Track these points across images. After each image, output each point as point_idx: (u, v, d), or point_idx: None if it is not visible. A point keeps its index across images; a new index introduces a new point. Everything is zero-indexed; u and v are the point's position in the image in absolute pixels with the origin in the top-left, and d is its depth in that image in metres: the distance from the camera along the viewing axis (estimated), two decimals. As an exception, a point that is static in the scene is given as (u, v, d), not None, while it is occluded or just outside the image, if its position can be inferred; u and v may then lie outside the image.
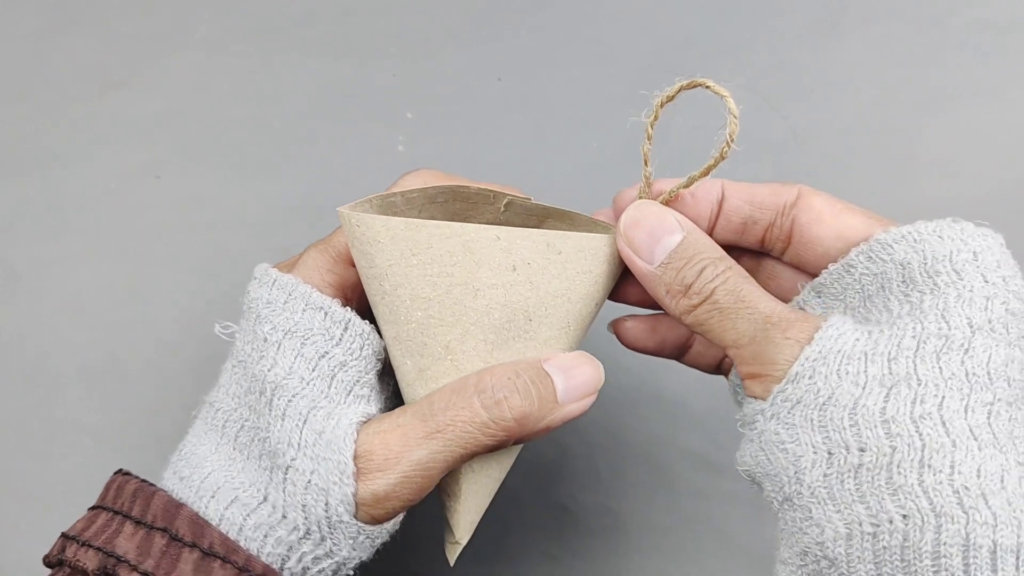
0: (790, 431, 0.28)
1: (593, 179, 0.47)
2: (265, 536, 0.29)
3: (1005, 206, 0.44)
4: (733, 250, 0.33)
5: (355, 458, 0.29)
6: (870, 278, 0.30)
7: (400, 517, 0.31)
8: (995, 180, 0.45)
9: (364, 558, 0.31)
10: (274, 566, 0.29)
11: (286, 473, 0.29)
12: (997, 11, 0.47)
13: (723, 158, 0.30)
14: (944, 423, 0.26)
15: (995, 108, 0.46)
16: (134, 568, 0.28)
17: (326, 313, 0.31)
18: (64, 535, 0.30)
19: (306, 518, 0.29)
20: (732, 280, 0.30)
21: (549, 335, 0.32)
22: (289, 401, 0.30)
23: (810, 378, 0.28)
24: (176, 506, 0.29)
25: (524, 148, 0.48)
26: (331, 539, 0.30)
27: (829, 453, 0.27)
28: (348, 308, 0.32)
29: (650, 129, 0.31)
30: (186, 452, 0.32)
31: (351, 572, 0.31)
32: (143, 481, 0.31)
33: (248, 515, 0.29)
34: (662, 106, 0.31)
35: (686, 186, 0.31)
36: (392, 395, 0.35)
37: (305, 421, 0.29)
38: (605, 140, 0.48)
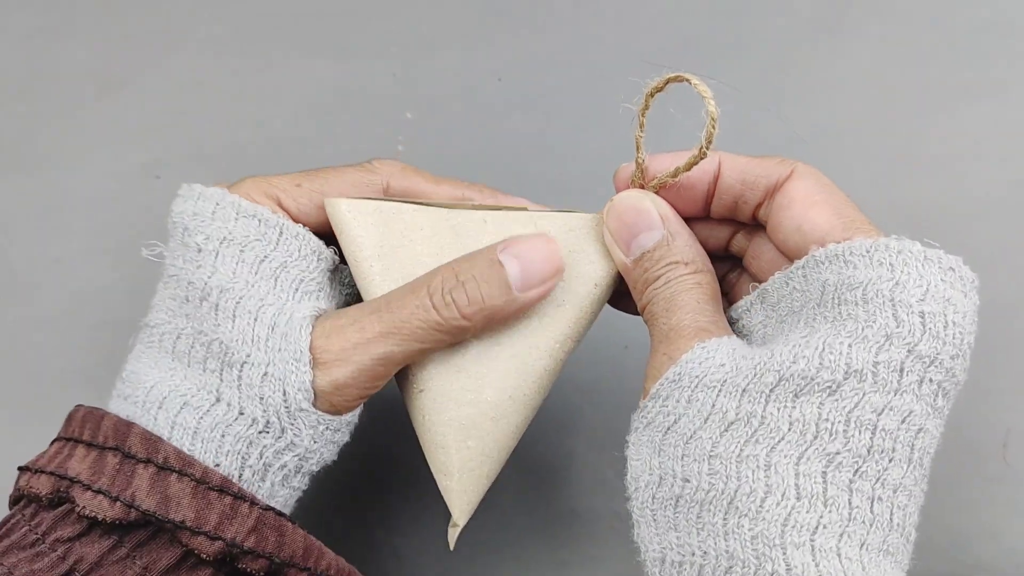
0: (637, 448, 0.29)
1: (593, 179, 0.47)
2: (223, 435, 0.29)
3: (1005, 206, 0.44)
4: (730, 223, 0.33)
5: (312, 348, 0.30)
6: (798, 294, 0.28)
7: (359, 409, 0.32)
8: (995, 180, 0.45)
9: (327, 456, 0.32)
10: (233, 465, 0.29)
11: (240, 369, 0.29)
12: (997, 11, 0.47)
13: (702, 157, 0.29)
14: (767, 467, 0.25)
15: (995, 108, 0.46)
16: (87, 488, 0.28)
17: (259, 220, 0.31)
18: (20, 468, 0.30)
19: (264, 410, 0.29)
20: (675, 286, 0.30)
21: (544, 315, 0.32)
22: (238, 302, 0.30)
23: (664, 400, 0.28)
24: (126, 425, 0.29)
25: (524, 148, 0.48)
26: (291, 429, 0.30)
27: (660, 478, 0.27)
28: (279, 214, 0.32)
29: (641, 117, 0.31)
30: (126, 374, 0.31)
31: (314, 470, 0.31)
32: (92, 408, 0.31)
33: (202, 417, 0.29)
34: (652, 96, 0.31)
35: (673, 176, 0.31)
36: (347, 300, 0.36)
37: (256, 318, 0.30)
38: (605, 140, 0.48)
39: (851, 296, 0.26)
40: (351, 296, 0.36)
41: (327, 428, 0.31)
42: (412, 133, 0.48)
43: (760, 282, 0.30)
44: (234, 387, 0.29)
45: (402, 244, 0.31)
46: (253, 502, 0.28)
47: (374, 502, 0.43)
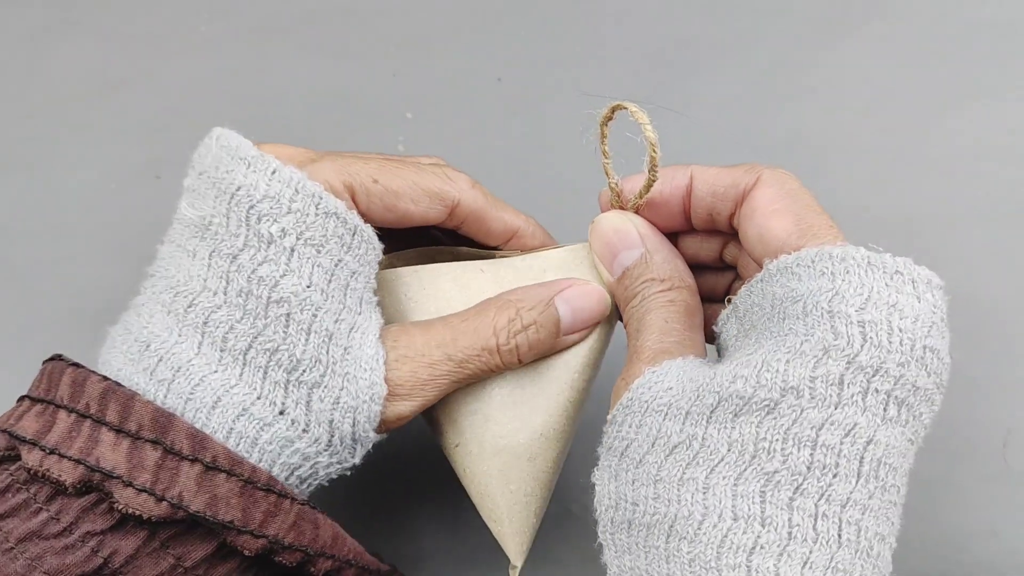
0: (600, 473, 0.29)
1: (593, 179, 0.47)
2: (282, 448, 0.29)
3: (1005, 206, 0.44)
4: (719, 234, 0.32)
5: (385, 380, 0.30)
6: (757, 308, 0.28)
7: None
8: (995, 180, 0.45)
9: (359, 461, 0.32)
10: (283, 474, 0.29)
11: (311, 390, 0.29)
12: (997, 11, 0.47)
13: (653, 180, 0.30)
14: (706, 489, 0.25)
15: (995, 108, 0.46)
16: (128, 484, 0.26)
17: (339, 218, 0.29)
18: (13, 434, 0.27)
19: (331, 433, 0.29)
20: (649, 304, 0.30)
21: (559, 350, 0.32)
22: (313, 316, 0.29)
23: (619, 425, 0.29)
24: (166, 416, 0.27)
25: (524, 148, 0.48)
26: (349, 450, 0.30)
27: (616, 503, 0.28)
28: (354, 212, 0.30)
29: (603, 146, 0.32)
30: (156, 347, 0.28)
31: (346, 473, 0.32)
32: (107, 379, 0.28)
33: (263, 428, 0.28)
34: (605, 125, 0.31)
35: (639, 198, 0.31)
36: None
37: (331, 337, 0.29)
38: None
39: (793, 310, 0.26)
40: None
41: (374, 445, 0.31)
42: (412, 133, 0.48)
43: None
44: (302, 405, 0.29)
45: (407, 307, 0.33)
46: (293, 498, 0.28)
47: (372, 499, 0.43)
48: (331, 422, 0.29)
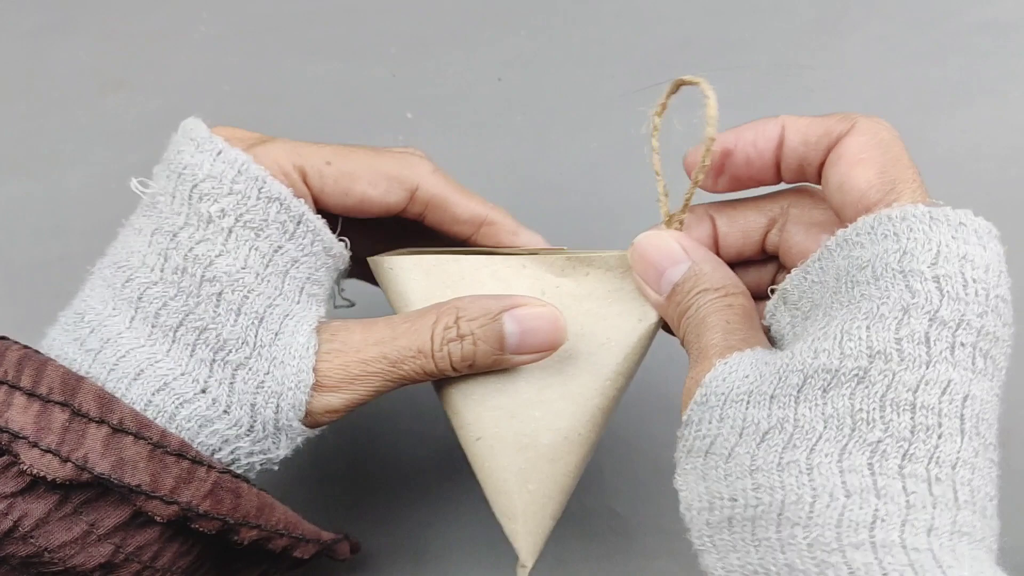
0: (684, 478, 0.28)
1: (593, 179, 0.47)
2: (200, 427, 0.29)
3: (1005, 206, 0.44)
4: (773, 262, 0.32)
5: (314, 369, 0.29)
6: (818, 286, 0.27)
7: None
8: (995, 180, 0.45)
9: (287, 455, 0.31)
10: (203, 452, 0.29)
11: (236, 370, 0.29)
12: (997, 11, 0.47)
13: (701, 173, 0.29)
14: (810, 470, 0.24)
15: (995, 108, 0.46)
16: (33, 445, 0.26)
17: (281, 204, 0.29)
18: None
19: (252, 417, 0.29)
20: (706, 311, 0.29)
21: (591, 354, 0.32)
22: (245, 297, 0.29)
23: (697, 424, 0.27)
24: (76, 379, 0.27)
25: (524, 148, 0.48)
26: (272, 439, 0.30)
27: (710, 503, 0.27)
28: (301, 200, 0.30)
29: (654, 140, 0.31)
30: (90, 319, 0.29)
31: (274, 468, 0.31)
32: (26, 347, 0.28)
33: (181, 404, 0.28)
34: (660, 114, 0.30)
35: (683, 211, 0.31)
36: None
37: (261, 320, 0.29)
38: (605, 140, 0.48)
39: (862, 276, 0.25)
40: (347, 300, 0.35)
41: (303, 439, 0.31)
42: (412, 133, 0.48)
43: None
44: (225, 385, 0.29)
45: (444, 294, 0.32)
46: (210, 466, 0.28)
47: (367, 497, 0.43)
48: (253, 405, 0.29)
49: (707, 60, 0.48)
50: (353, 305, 0.33)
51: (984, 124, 0.46)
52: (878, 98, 0.47)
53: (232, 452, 0.29)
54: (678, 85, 0.29)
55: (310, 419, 0.30)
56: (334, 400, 0.30)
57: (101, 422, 0.27)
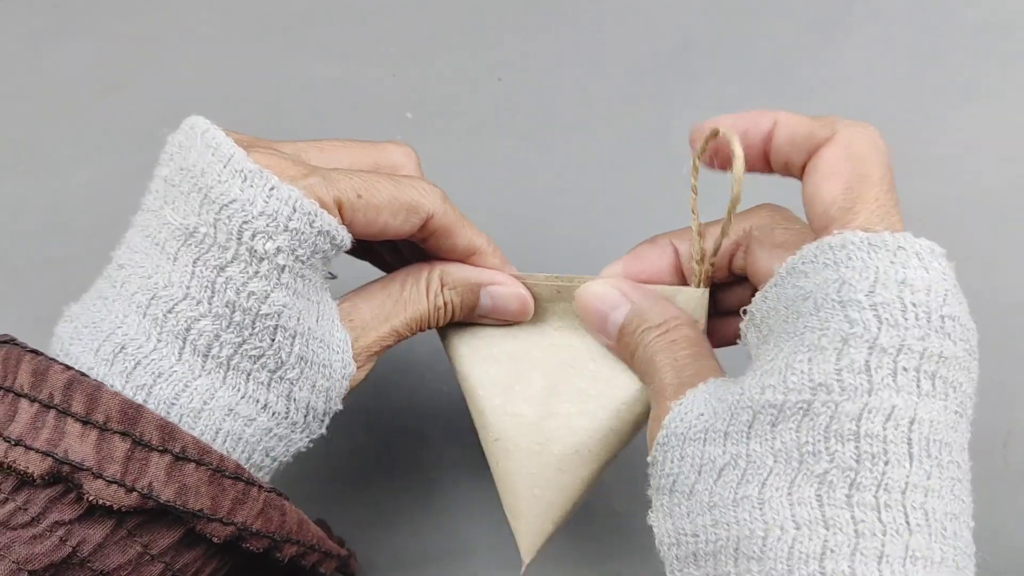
0: (655, 515, 0.29)
1: (593, 179, 0.47)
2: (262, 436, 0.30)
3: (1005, 206, 0.44)
4: (744, 283, 0.32)
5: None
6: (773, 312, 0.28)
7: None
8: (995, 180, 0.45)
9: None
10: (264, 460, 0.30)
11: (293, 384, 0.30)
12: (997, 11, 0.47)
13: (725, 231, 0.30)
14: (761, 504, 0.25)
15: (995, 108, 0.46)
16: (97, 476, 0.26)
17: (328, 235, 0.29)
18: None
19: (306, 415, 0.31)
20: (652, 348, 0.31)
21: (611, 378, 0.33)
22: (298, 322, 0.29)
23: (660, 464, 0.29)
24: (135, 409, 0.27)
25: (524, 148, 0.48)
26: (319, 424, 0.31)
27: (676, 539, 0.28)
28: (344, 228, 0.30)
29: (694, 181, 0.31)
30: (132, 351, 0.28)
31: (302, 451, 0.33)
32: (70, 368, 0.28)
33: (247, 424, 0.29)
34: (701, 155, 0.30)
35: (713, 254, 0.32)
36: None
37: (310, 333, 0.30)
38: (605, 140, 0.48)
39: (804, 307, 0.26)
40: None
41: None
42: (412, 133, 0.48)
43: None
44: (283, 398, 0.30)
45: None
46: (261, 486, 0.29)
47: (377, 497, 0.43)
48: (308, 404, 0.31)
49: (707, 60, 0.48)
50: (335, 278, 0.33)
51: (984, 124, 0.46)
52: (878, 98, 0.47)
53: (286, 445, 0.31)
54: (715, 134, 0.29)
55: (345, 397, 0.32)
56: (360, 375, 0.32)
57: (164, 451, 0.27)
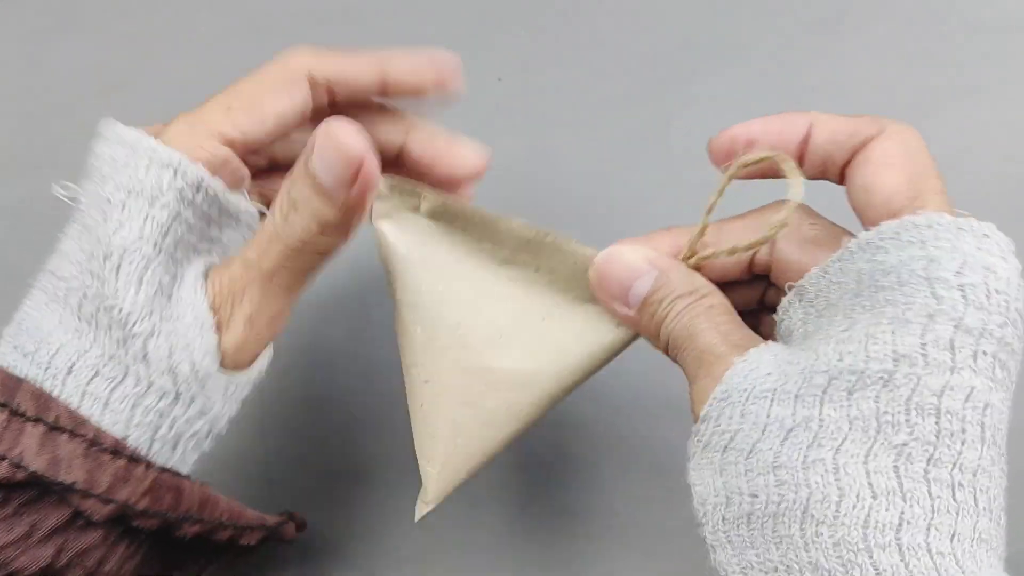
0: (699, 472, 0.28)
1: (593, 179, 0.47)
2: (133, 407, 0.28)
3: (1005, 206, 0.44)
4: (762, 281, 0.32)
5: (212, 310, 0.29)
6: (835, 286, 0.27)
7: (262, 362, 0.32)
8: (995, 180, 0.45)
9: (233, 413, 0.31)
10: (144, 437, 0.29)
11: (146, 341, 0.28)
12: (997, 11, 0.47)
13: (761, 243, 0.29)
14: (836, 469, 0.24)
15: (995, 108, 0.46)
16: None
17: (175, 171, 0.29)
18: None
19: (175, 381, 0.29)
20: (688, 315, 0.29)
21: (560, 342, 0.32)
22: (144, 267, 0.28)
23: (716, 420, 0.27)
24: (15, 380, 0.28)
25: (524, 148, 0.48)
26: (202, 395, 0.29)
27: (727, 498, 0.27)
28: (198, 164, 0.29)
29: (717, 198, 0.30)
30: (27, 326, 0.29)
31: (222, 432, 0.31)
32: None
33: (113, 388, 0.28)
34: (734, 177, 0.30)
35: (729, 254, 0.30)
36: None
37: (158, 287, 0.29)
38: (605, 140, 0.48)
39: (886, 281, 0.25)
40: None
41: (236, 387, 0.31)
42: (412, 133, 0.48)
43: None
44: (139, 360, 0.28)
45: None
46: (149, 464, 0.28)
47: (359, 495, 0.43)
48: (170, 369, 0.29)
49: (707, 60, 0.48)
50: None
51: (983, 124, 0.46)
52: (878, 98, 0.47)
53: (172, 426, 0.29)
54: (760, 160, 0.29)
55: (230, 360, 0.30)
56: (237, 332, 0.30)
57: (37, 420, 0.27)
